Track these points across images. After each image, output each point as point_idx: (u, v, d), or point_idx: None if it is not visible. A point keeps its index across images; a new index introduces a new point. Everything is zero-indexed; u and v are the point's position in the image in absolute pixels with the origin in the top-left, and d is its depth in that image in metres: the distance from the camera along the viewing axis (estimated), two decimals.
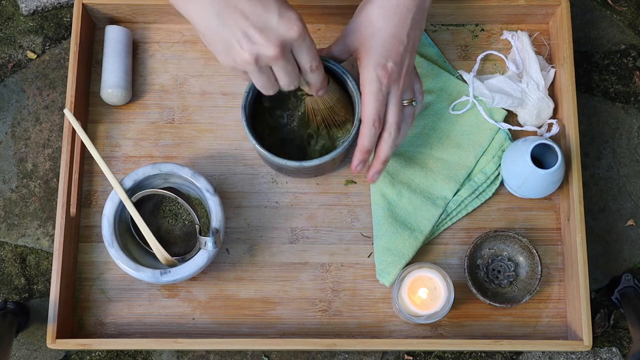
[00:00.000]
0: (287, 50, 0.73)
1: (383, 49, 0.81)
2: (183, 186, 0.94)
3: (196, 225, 0.91)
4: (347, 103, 0.90)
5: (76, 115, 0.95)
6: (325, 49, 0.88)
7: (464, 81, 1.00)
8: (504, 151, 0.97)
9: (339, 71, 0.87)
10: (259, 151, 0.87)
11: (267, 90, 0.77)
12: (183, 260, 0.90)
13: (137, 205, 0.90)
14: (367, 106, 0.82)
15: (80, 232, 0.97)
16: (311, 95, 0.85)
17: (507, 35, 1.01)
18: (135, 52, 1.02)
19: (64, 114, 1.01)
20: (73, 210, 0.95)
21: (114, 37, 0.98)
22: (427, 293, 0.88)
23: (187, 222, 0.94)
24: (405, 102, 0.85)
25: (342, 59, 0.87)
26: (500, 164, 0.97)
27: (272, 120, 0.92)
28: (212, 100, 1.00)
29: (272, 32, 0.71)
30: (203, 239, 0.87)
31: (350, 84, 0.87)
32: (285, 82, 0.77)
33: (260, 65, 0.73)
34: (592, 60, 1.05)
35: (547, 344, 0.90)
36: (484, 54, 1.01)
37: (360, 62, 0.83)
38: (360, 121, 0.86)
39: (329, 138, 0.92)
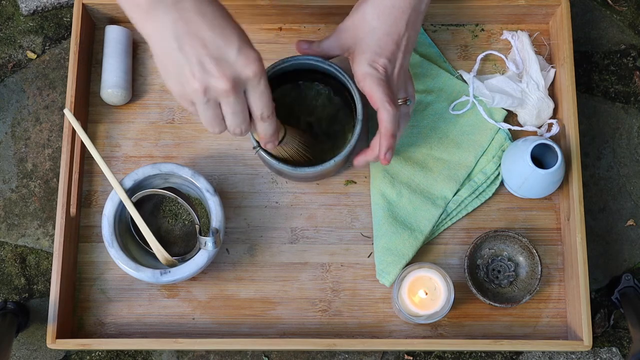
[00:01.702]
0: (238, 89, 0.69)
1: (377, 46, 0.81)
2: (183, 186, 0.94)
3: (196, 225, 0.91)
4: (310, 151, 0.89)
5: (76, 115, 0.95)
6: (315, 43, 0.87)
7: (464, 81, 1.00)
8: (504, 151, 0.97)
9: (334, 70, 0.87)
10: (264, 158, 0.87)
11: (212, 127, 0.73)
12: (183, 260, 0.90)
13: (137, 205, 0.90)
14: (375, 93, 0.80)
15: (80, 232, 0.97)
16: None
17: (507, 35, 1.01)
18: (135, 52, 1.02)
19: (64, 114, 1.01)
20: (73, 210, 0.95)
21: (114, 37, 0.98)
22: (427, 293, 0.88)
23: (187, 222, 0.94)
24: (399, 101, 0.85)
25: (330, 55, 0.87)
26: (500, 164, 0.97)
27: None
28: None
29: (228, 66, 0.68)
30: (203, 239, 0.87)
31: (348, 83, 0.87)
32: (232, 124, 0.73)
33: (208, 97, 0.69)
34: (592, 60, 1.05)
35: (547, 344, 0.90)
36: (484, 54, 1.01)
37: (354, 60, 0.83)
38: (361, 122, 0.86)
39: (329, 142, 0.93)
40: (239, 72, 0.68)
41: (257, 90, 0.71)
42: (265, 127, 0.76)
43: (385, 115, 0.81)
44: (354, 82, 0.86)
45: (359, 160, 0.88)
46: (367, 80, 0.81)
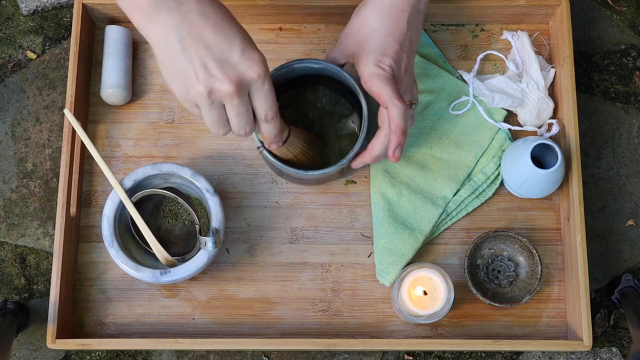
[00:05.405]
0: (243, 91, 0.69)
1: (381, 47, 0.81)
2: (183, 186, 0.94)
3: (196, 225, 0.91)
4: (315, 151, 0.89)
5: (76, 115, 0.95)
6: (325, 57, 0.88)
7: (464, 81, 1.00)
8: (504, 151, 0.97)
9: (343, 76, 0.87)
10: (267, 159, 0.86)
11: (217, 129, 0.73)
12: (183, 260, 0.90)
13: (137, 205, 0.90)
14: (384, 91, 0.79)
15: (80, 232, 0.97)
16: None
17: (507, 35, 1.01)
18: (135, 52, 1.02)
19: (64, 114, 1.01)
20: (73, 210, 0.95)
21: (114, 37, 0.98)
22: (427, 293, 0.88)
23: (187, 222, 0.94)
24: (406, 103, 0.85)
25: (340, 63, 0.87)
26: (500, 164, 0.97)
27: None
28: None
29: (231, 68, 0.68)
30: (203, 239, 0.87)
31: (356, 87, 0.87)
32: (236, 125, 0.72)
33: (212, 100, 0.69)
34: (592, 60, 1.05)
35: (547, 344, 0.90)
36: (484, 54, 1.01)
37: (359, 62, 0.82)
38: (367, 130, 0.85)
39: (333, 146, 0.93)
40: (243, 75, 0.68)
41: (262, 92, 0.71)
42: (269, 128, 0.76)
43: (395, 112, 0.80)
44: (360, 86, 0.85)
45: (357, 162, 0.88)
46: (374, 80, 0.80)
